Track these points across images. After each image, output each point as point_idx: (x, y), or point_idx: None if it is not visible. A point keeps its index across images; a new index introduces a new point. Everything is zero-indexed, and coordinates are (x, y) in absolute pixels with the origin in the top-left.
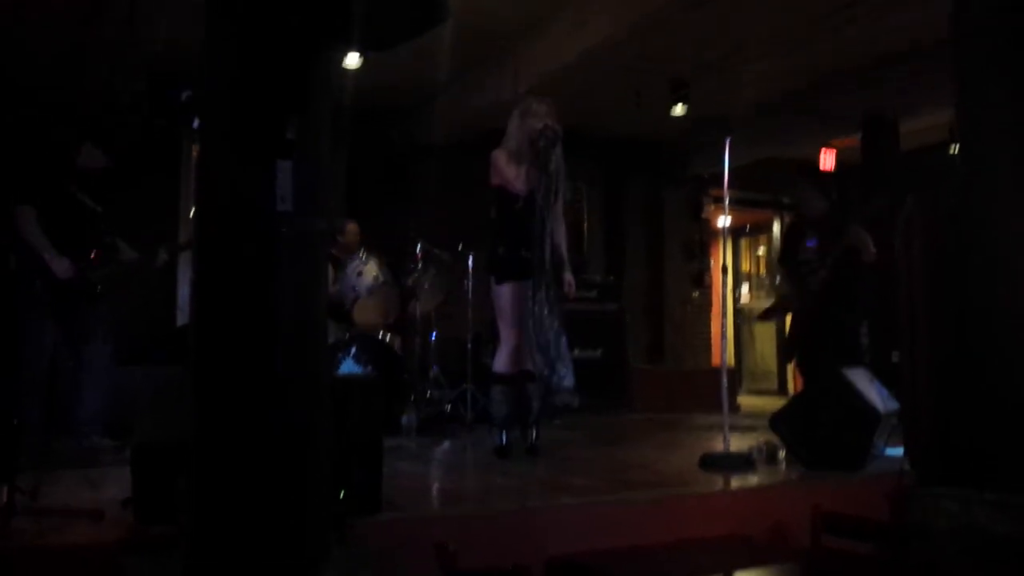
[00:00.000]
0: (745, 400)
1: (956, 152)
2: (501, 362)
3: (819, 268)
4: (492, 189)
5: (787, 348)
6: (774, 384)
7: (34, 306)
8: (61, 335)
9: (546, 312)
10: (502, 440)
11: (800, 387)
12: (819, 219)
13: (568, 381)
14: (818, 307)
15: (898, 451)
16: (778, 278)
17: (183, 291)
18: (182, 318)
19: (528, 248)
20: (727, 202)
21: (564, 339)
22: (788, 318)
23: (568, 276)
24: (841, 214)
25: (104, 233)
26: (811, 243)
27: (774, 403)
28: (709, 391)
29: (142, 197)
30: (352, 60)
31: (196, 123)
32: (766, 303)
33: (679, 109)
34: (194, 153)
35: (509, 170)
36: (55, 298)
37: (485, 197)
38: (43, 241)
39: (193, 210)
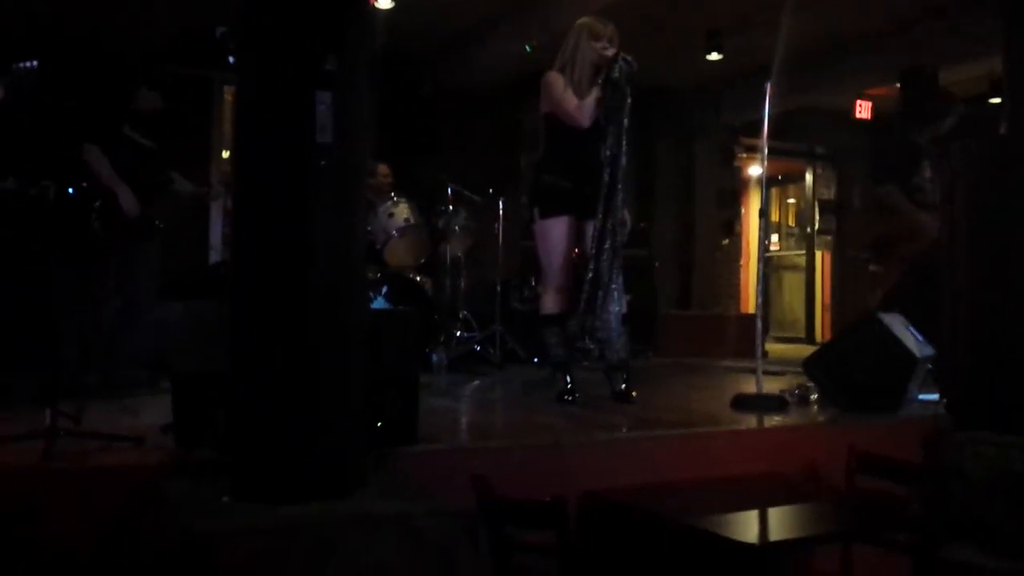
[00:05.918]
0: (772, 347)
1: (998, 103)
2: (548, 303)
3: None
4: (541, 116)
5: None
6: (801, 332)
7: (86, 244)
8: (113, 272)
9: (604, 263)
10: (566, 383)
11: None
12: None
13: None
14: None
15: (932, 396)
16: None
17: (215, 230)
18: (214, 256)
19: (580, 180)
20: (765, 151)
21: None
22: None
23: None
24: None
25: (158, 170)
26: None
27: (802, 350)
28: (736, 337)
29: (175, 141)
30: (384, 2)
31: (231, 60)
32: (796, 252)
33: (713, 58)
34: (226, 96)
35: (568, 99)
36: (113, 235)
37: (516, 141)
38: (116, 178)
39: (227, 151)
